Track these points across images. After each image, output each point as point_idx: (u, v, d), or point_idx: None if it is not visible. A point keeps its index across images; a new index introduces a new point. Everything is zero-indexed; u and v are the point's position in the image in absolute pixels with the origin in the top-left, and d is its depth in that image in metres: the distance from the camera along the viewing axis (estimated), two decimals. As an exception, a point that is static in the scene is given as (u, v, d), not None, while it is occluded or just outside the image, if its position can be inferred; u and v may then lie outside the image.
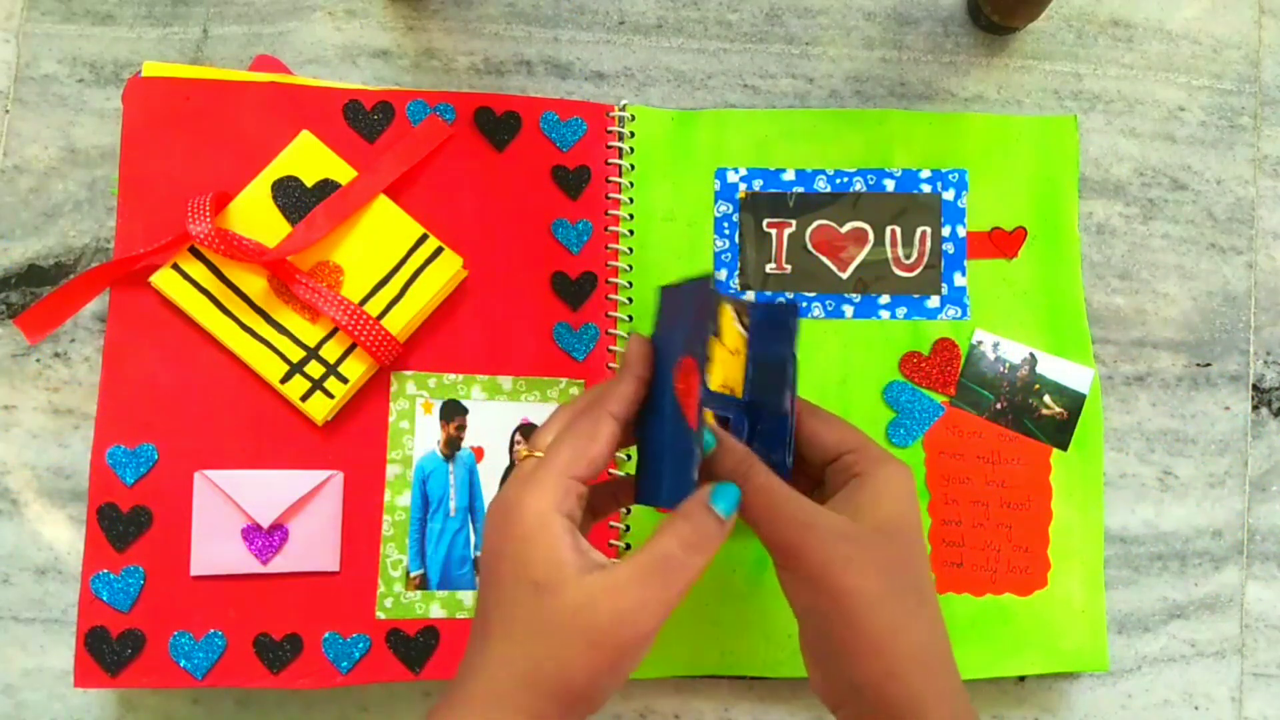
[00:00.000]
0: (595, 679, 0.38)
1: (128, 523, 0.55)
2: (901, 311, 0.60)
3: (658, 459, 0.41)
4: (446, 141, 0.60)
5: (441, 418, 0.58)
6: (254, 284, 0.57)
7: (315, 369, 0.56)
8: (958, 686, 0.41)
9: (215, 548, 0.55)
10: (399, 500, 0.57)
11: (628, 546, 0.58)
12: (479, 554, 0.56)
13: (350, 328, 0.56)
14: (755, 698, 0.59)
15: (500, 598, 0.39)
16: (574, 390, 0.59)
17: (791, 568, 0.40)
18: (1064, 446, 0.60)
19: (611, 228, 0.61)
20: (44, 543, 0.59)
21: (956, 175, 0.61)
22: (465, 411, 0.58)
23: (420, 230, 0.58)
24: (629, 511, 0.58)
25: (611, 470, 0.52)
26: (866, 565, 0.40)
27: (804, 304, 0.60)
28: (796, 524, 0.40)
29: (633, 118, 0.61)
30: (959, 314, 0.60)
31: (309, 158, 0.58)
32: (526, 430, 0.58)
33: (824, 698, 0.43)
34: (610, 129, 0.61)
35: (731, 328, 0.44)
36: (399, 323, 0.57)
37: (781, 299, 0.56)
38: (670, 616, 0.57)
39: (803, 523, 0.40)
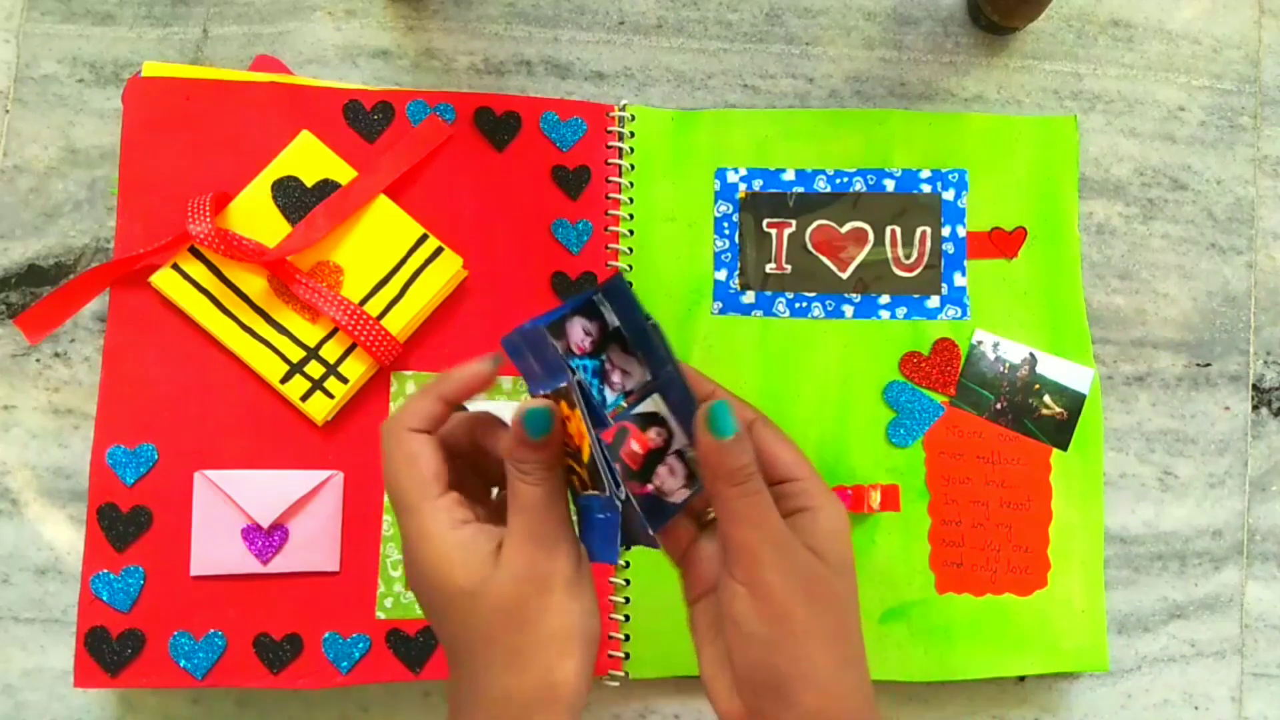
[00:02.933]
0: (567, 646, 0.39)
1: (128, 523, 0.55)
2: (901, 311, 0.60)
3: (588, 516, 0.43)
4: (446, 141, 0.60)
5: (441, 418, 0.58)
6: (254, 284, 0.57)
7: (315, 369, 0.56)
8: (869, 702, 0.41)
9: (215, 548, 0.55)
10: (399, 500, 0.57)
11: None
12: None
13: (350, 328, 0.56)
14: (755, 698, 0.59)
15: (446, 616, 0.40)
16: (574, 390, 0.59)
17: (758, 579, 0.40)
18: (1064, 446, 0.60)
19: (611, 228, 0.61)
20: (44, 543, 0.59)
21: (956, 175, 0.61)
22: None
23: (420, 230, 0.58)
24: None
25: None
26: (827, 596, 0.40)
27: (804, 304, 0.60)
28: (778, 534, 0.40)
29: (633, 118, 0.61)
30: (959, 314, 0.60)
31: (309, 158, 0.58)
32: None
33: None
34: (610, 129, 0.61)
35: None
36: (399, 323, 0.57)
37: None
38: (669, 615, 0.57)
39: (782, 535, 0.40)
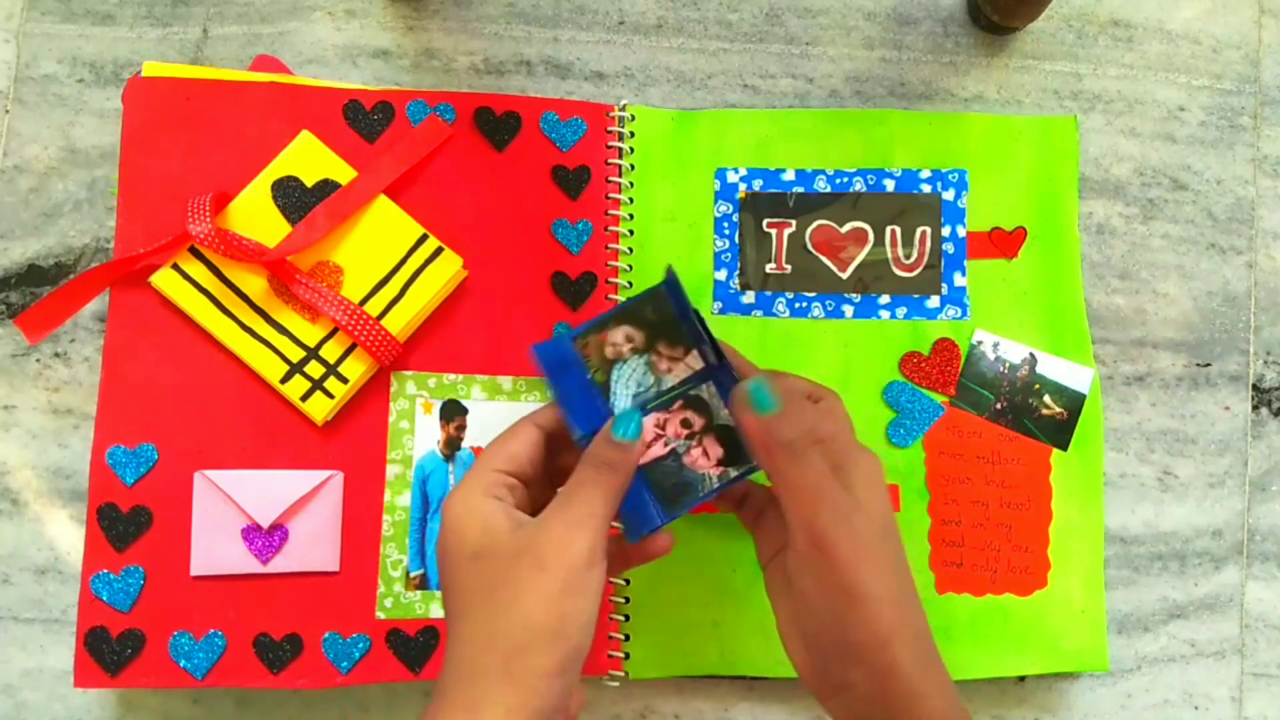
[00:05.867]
0: (553, 605, 0.39)
1: (128, 523, 0.55)
2: (901, 311, 0.60)
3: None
4: (446, 141, 0.60)
5: (441, 418, 0.58)
6: (254, 284, 0.57)
7: (315, 369, 0.56)
8: (949, 680, 0.42)
9: (215, 548, 0.55)
10: (399, 500, 0.57)
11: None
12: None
13: (350, 328, 0.56)
14: (755, 698, 0.59)
15: (451, 583, 0.41)
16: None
17: (812, 553, 0.41)
18: (1064, 446, 0.60)
19: (611, 228, 0.61)
20: (44, 543, 0.59)
21: (956, 175, 0.61)
22: (465, 411, 0.58)
23: (420, 230, 0.58)
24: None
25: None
26: (877, 552, 0.41)
27: (804, 304, 0.60)
28: (831, 507, 0.41)
29: (633, 118, 0.61)
30: (959, 314, 0.60)
31: (309, 158, 0.58)
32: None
33: (817, 687, 0.44)
34: (610, 129, 0.61)
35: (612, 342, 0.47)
36: (399, 323, 0.57)
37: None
38: (669, 615, 0.57)
39: (835, 506, 0.41)
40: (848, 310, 0.60)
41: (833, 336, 0.60)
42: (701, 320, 0.46)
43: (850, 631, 0.41)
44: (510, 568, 0.39)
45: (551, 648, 0.39)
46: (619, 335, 0.46)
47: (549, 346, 0.46)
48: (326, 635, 0.56)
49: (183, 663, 0.55)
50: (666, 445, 0.46)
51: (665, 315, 0.47)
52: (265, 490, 0.56)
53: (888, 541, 0.42)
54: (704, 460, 0.46)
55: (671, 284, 0.47)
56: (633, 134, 0.61)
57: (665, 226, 0.61)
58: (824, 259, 0.61)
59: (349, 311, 0.56)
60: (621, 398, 0.46)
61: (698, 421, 0.46)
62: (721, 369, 0.46)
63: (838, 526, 0.41)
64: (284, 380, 0.56)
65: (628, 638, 0.57)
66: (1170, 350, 0.62)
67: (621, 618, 0.57)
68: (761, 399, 0.42)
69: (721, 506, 0.48)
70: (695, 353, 0.46)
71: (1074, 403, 0.60)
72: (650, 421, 0.46)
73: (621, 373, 0.46)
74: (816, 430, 0.43)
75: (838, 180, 0.61)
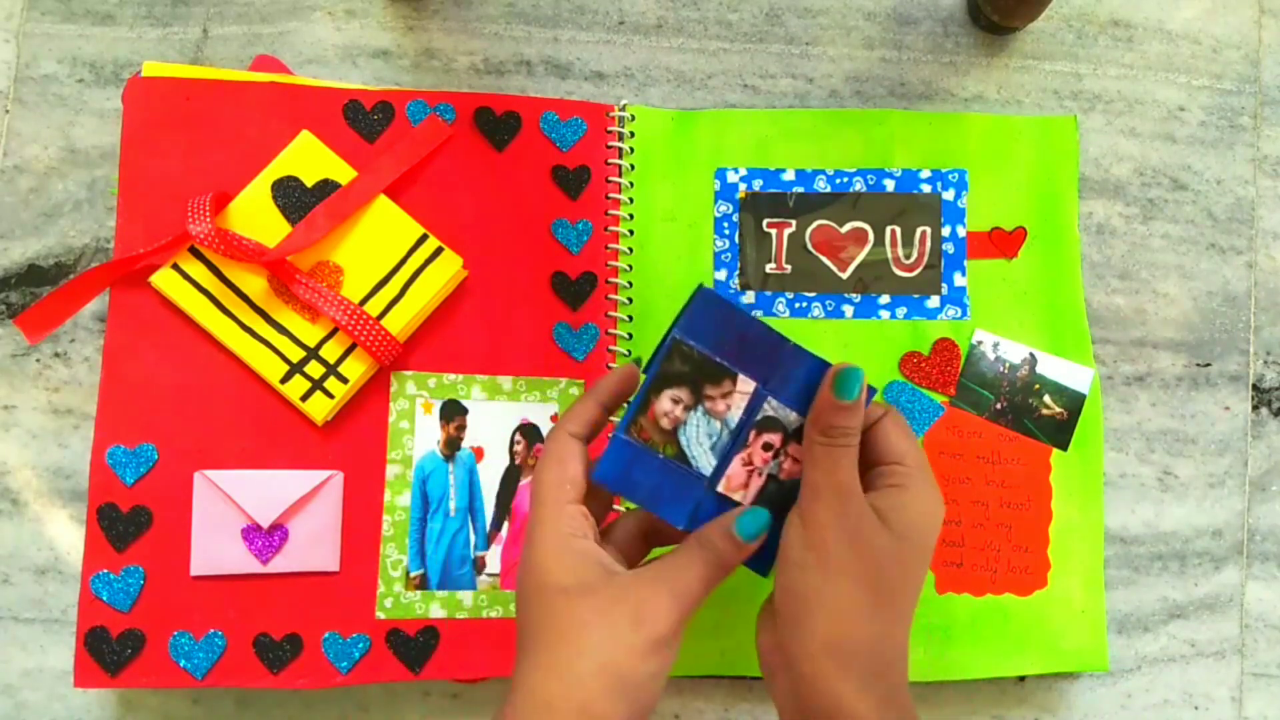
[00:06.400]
0: (638, 660, 0.40)
1: (128, 523, 0.55)
2: (901, 311, 0.60)
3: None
4: (446, 141, 0.60)
5: (441, 418, 0.58)
6: (254, 284, 0.57)
7: (315, 369, 0.56)
8: (902, 702, 0.42)
9: (215, 548, 0.55)
10: (399, 500, 0.57)
11: None
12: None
13: (350, 328, 0.56)
14: (755, 698, 0.59)
15: (532, 616, 0.42)
16: (574, 390, 0.59)
17: (811, 512, 0.42)
18: (1064, 446, 0.60)
19: (611, 228, 0.61)
20: (44, 543, 0.59)
21: (956, 175, 0.61)
22: (465, 411, 0.58)
23: (420, 230, 0.58)
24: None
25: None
26: (871, 547, 0.42)
27: (804, 304, 0.60)
28: (843, 483, 0.42)
29: (633, 118, 0.61)
30: (959, 314, 0.60)
31: (309, 158, 0.58)
32: (526, 430, 0.59)
33: (765, 660, 0.44)
34: (610, 129, 0.61)
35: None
36: (399, 323, 0.57)
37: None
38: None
39: (847, 485, 0.42)
40: (848, 310, 0.60)
41: (833, 336, 0.60)
42: (758, 323, 0.45)
43: (807, 594, 0.41)
44: (603, 612, 0.40)
45: (628, 698, 0.39)
46: (665, 404, 0.45)
47: (605, 464, 0.45)
48: (326, 635, 0.56)
49: (183, 663, 0.55)
50: (762, 475, 0.45)
51: (693, 359, 0.45)
52: (265, 490, 0.56)
53: (882, 545, 0.42)
54: (798, 466, 0.45)
55: (701, 305, 0.45)
56: (633, 134, 0.61)
57: (665, 226, 0.61)
58: (824, 259, 0.61)
59: (349, 311, 0.56)
60: (702, 459, 0.45)
61: (776, 439, 0.45)
62: (783, 363, 0.45)
63: (833, 504, 0.42)
64: (284, 380, 0.56)
65: (628, 638, 0.57)
66: (1170, 350, 0.62)
67: (621, 618, 0.57)
68: (848, 386, 0.42)
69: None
70: (741, 377, 0.45)
71: (1074, 403, 0.60)
72: (738, 464, 0.45)
73: (688, 435, 0.45)
74: (899, 455, 0.44)
75: (838, 180, 0.61)
